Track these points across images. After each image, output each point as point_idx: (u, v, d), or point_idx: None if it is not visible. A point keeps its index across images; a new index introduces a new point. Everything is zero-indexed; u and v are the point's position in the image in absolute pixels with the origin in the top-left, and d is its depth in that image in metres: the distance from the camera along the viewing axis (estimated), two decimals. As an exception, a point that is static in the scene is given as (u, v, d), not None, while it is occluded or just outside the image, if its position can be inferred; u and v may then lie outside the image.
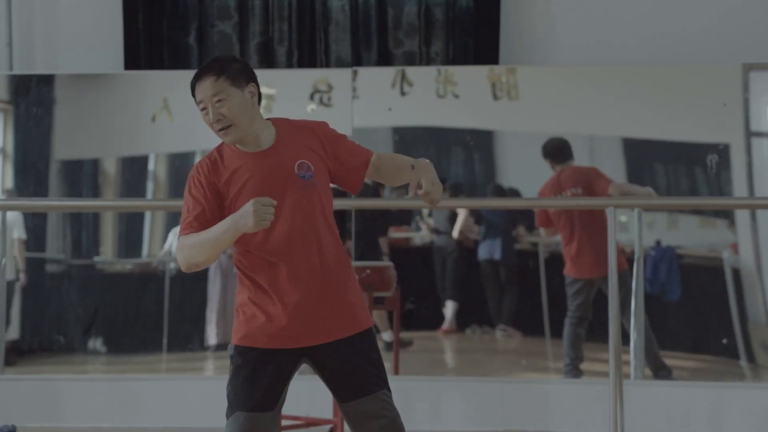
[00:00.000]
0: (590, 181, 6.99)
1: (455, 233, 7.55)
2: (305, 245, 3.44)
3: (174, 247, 3.50)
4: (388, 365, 3.62)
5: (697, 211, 7.19)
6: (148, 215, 7.63)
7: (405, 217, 7.75)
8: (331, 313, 3.47)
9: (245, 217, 3.26)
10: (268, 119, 3.57)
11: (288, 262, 3.43)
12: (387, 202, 6.87)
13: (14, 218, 7.44)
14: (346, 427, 5.47)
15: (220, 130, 3.45)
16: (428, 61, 7.40)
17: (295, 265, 3.43)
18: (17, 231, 7.50)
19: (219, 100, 3.43)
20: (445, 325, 7.44)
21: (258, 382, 3.43)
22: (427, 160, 3.56)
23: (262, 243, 3.43)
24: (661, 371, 6.79)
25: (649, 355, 6.75)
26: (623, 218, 7.07)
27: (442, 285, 7.53)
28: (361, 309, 3.54)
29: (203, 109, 3.46)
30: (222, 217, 3.41)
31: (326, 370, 3.49)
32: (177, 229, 3.46)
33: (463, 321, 7.48)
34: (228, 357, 3.53)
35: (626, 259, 6.80)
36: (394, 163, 3.64)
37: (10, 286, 7.37)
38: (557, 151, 7.15)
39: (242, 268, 3.50)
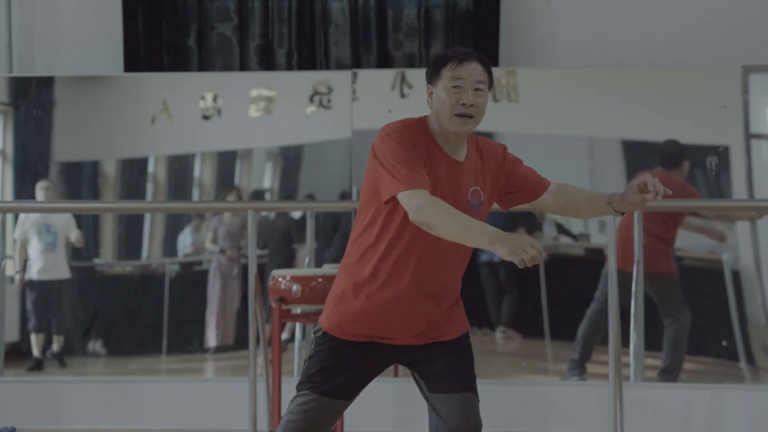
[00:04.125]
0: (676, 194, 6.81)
1: None
2: (443, 263, 3.35)
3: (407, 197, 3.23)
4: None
5: (697, 213, 7.19)
6: (147, 217, 7.63)
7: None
8: (433, 325, 3.40)
9: (508, 241, 3.05)
10: None
11: (421, 271, 3.34)
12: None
13: (68, 218, 7.52)
14: (346, 429, 5.47)
15: (461, 115, 3.31)
16: (428, 63, 7.39)
17: (425, 277, 3.34)
18: (74, 229, 7.53)
19: (478, 89, 3.34)
20: None
21: (339, 371, 3.38)
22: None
23: (415, 241, 3.31)
24: (671, 374, 6.77)
25: (676, 356, 6.73)
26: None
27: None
28: (461, 318, 3.47)
29: (456, 86, 3.32)
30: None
31: (419, 365, 3.41)
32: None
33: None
34: (312, 334, 3.45)
35: (672, 261, 6.79)
36: (584, 193, 3.56)
37: (68, 283, 7.50)
38: (665, 154, 7.02)
39: (372, 255, 3.36)
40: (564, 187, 3.59)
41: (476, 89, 3.32)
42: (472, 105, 3.31)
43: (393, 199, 3.27)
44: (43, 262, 7.48)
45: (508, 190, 3.51)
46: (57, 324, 7.47)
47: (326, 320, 3.43)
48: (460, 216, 3.17)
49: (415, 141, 3.29)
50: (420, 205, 3.18)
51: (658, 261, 6.50)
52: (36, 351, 7.38)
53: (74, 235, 7.50)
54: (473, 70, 3.33)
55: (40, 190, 7.40)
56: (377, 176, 3.30)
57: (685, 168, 6.98)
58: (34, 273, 7.49)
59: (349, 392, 3.41)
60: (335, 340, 3.41)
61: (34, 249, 7.50)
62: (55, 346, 7.41)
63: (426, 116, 3.41)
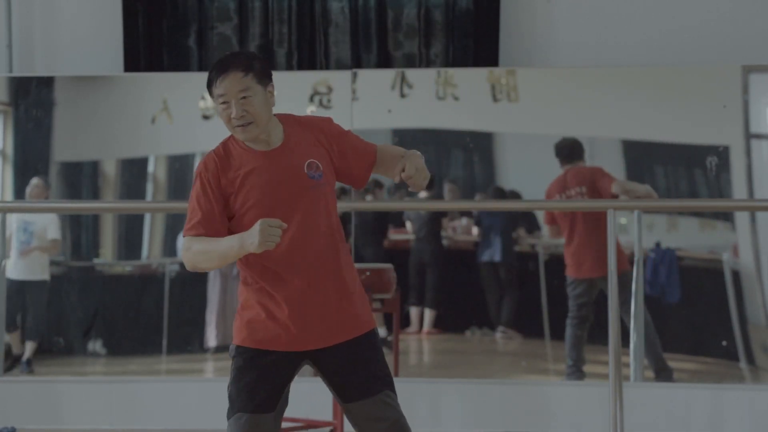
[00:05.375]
0: (594, 181, 7.00)
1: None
2: (310, 247, 3.41)
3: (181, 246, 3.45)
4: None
5: (697, 213, 7.19)
6: (147, 217, 7.63)
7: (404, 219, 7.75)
8: (335, 317, 3.45)
9: (251, 237, 3.24)
10: (273, 115, 3.52)
11: (292, 264, 3.40)
12: (388, 204, 6.87)
13: (49, 219, 7.44)
14: (346, 428, 5.48)
15: (239, 126, 3.39)
16: (428, 62, 7.40)
17: (300, 268, 3.41)
18: (51, 232, 7.47)
19: (244, 97, 3.38)
20: (426, 327, 7.46)
21: (260, 383, 3.42)
22: (417, 151, 3.52)
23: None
24: (662, 372, 6.79)
25: (653, 354, 6.75)
26: (623, 220, 7.07)
27: (425, 288, 7.55)
28: (363, 311, 3.52)
29: (224, 103, 3.39)
30: (228, 216, 3.41)
31: (328, 372, 3.48)
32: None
33: (462, 323, 7.48)
34: (229, 357, 3.51)
35: (627, 260, 6.81)
36: (390, 153, 3.60)
37: (42, 286, 7.41)
38: (565, 150, 7.15)
39: (246, 267, 3.46)
40: (380, 151, 3.63)
41: (242, 98, 3.38)
42: (242, 116, 3.38)
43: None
44: (15, 262, 7.41)
45: (348, 161, 3.55)
46: (33, 327, 7.36)
47: (236, 335, 3.50)
48: (212, 243, 3.34)
49: (210, 175, 3.41)
50: (184, 258, 3.40)
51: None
52: (14, 350, 7.30)
53: (49, 240, 7.44)
54: (231, 81, 3.38)
55: (29, 187, 7.37)
56: None
57: (585, 159, 7.14)
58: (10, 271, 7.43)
59: (273, 404, 3.44)
60: (248, 351, 3.46)
61: (12, 247, 7.45)
62: (28, 352, 7.31)
63: None
